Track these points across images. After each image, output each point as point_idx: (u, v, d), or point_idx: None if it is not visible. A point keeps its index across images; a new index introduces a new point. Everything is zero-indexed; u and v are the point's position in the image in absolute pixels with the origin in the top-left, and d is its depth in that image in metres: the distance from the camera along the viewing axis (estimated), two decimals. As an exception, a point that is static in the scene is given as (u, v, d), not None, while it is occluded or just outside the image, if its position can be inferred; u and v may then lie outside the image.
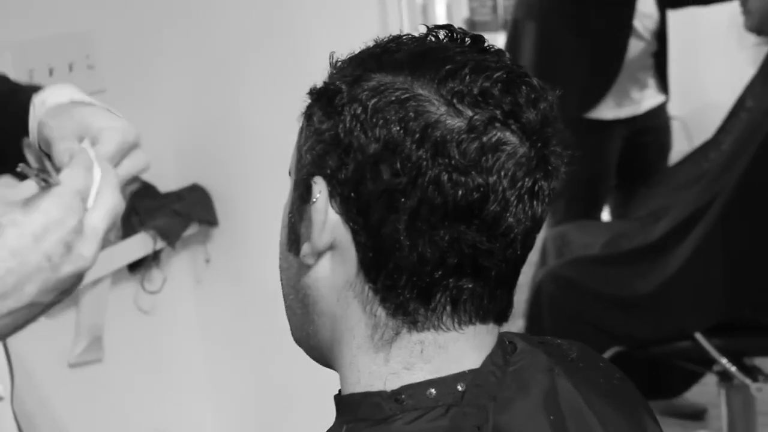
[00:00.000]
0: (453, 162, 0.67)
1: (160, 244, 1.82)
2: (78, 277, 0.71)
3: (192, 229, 1.90)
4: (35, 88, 0.96)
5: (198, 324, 2.03)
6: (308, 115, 0.74)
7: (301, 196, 0.74)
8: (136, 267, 1.85)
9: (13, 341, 1.56)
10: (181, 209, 1.86)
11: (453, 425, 0.69)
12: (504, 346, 0.77)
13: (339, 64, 0.75)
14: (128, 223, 1.81)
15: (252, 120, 1.90)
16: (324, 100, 0.72)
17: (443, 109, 0.68)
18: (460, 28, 0.75)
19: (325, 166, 0.72)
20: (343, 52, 0.75)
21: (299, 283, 0.76)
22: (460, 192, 0.68)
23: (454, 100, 0.68)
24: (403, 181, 0.68)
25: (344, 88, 0.71)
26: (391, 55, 0.72)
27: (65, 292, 0.71)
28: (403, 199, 0.68)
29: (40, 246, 0.68)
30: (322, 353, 0.78)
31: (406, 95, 0.69)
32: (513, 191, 0.69)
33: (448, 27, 0.75)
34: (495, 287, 0.73)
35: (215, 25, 1.88)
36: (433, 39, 0.74)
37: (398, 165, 0.68)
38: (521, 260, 0.74)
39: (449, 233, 0.69)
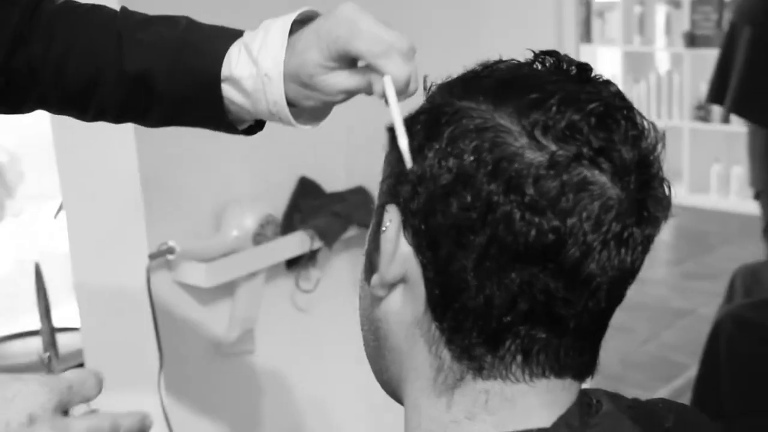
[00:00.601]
0: (527, 200, 0.61)
1: (318, 243, 1.82)
2: None
3: (351, 232, 1.89)
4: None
5: (352, 326, 2.03)
6: (390, 140, 0.70)
7: (377, 224, 0.71)
8: (292, 264, 1.87)
9: (165, 327, 1.63)
10: (342, 211, 1.86)
11: (504, 487, 0.63)
12: (585, 405, 0.70)
13: (431, 87, 0.70)
14: (290, 221, 1.84)
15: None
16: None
17: (524, 141, 0.62)
18: (566, 56, 0.68)
19: (398, 194, 0.68)
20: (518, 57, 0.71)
21: (372, 314, 0.72)
22: (533, 233, 0.61)
23: (537, 133, 0.62)
24: (472, 217, 0.63)
25: (422, 116, 0.67)
26: (479, 81, 0.67)
27: None
28: (471, 236, 0.63)
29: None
30: (393, 389, 0.74)
31: (485, 125, 0.63)
32: (597, 236, 0.62)
33: (553, 54, 0.68)
34: (574, 340, 0.66)
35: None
36: (539, 66, 0.68)
37: (469, 199, 0.63)
38: (607, 313, 0.67)
39: (520, 276, 0.63)
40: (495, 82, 0.66)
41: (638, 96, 5.88)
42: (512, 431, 0.66)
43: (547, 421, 0.67)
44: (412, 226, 0.67)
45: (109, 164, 1.63)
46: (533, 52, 0.69)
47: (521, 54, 0.70)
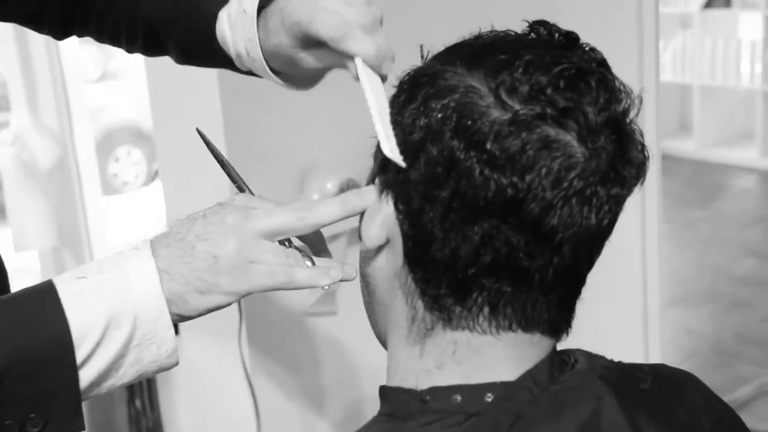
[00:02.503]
0: (486, 156, 0.63)
1: (399, 208, 1.85)
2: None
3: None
4: None
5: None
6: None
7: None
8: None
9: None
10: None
11: (462, 435, 0.65)
12: (558, 362, 0.71)
13: (428, 56, 0.73)
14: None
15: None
16: (394, 94, 0.72)
17: (490, 100, 0.64)
18: (556, 26, 0.69)
19: (382, 155, 0.71)
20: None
21: (364, 271, 0.76)
22: (492, 188, 0.63)
23: (502, 93, 0.64)
24: (438, 171, 0.65)
25: (406, 80, 0.70)
26: (461, 48, 0.69)
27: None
28: (437, 191, 0.66)
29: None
30: (383, 341, 0.78)
31: (457, 85, 0.66)
32: (557, 192, 0.63)
33: (544, 24, 0.69)
34: (540, 295, 0.67)
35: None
36: (533, 36, 0.69)
37: (435, 154, 0.65)
38: (575, 270, 0.67)
39: (483, 229, 0.65)
40: (473, 48, 0.68)
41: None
42: (478, 383, 0.68)
43: (513, 374, 0.68)
44: (390, 185, 0.70)
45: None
46: (527, 22, 0.70)
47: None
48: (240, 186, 0.80)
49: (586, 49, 0.68)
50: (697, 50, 5.46)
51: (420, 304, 0.70)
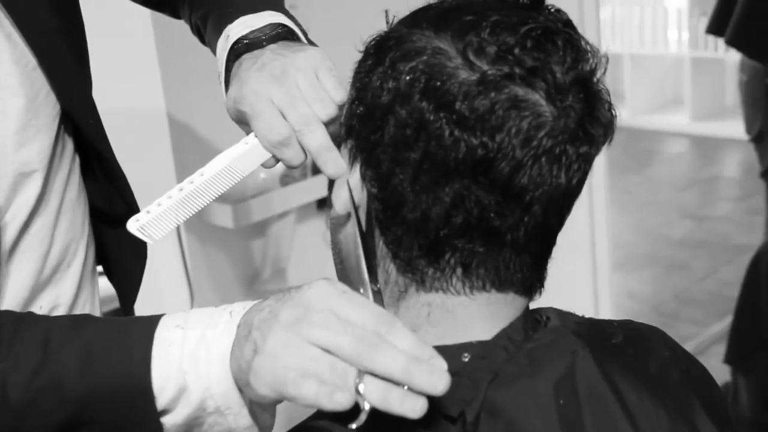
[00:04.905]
0: (455, 117, 0.63)
1: (347, 183, 1.85)
2: None
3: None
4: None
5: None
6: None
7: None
8: (323, 204, 1.90)
9: (197, 267, 1.69)
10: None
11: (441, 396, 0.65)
12: (531, 321, 0.72)
13: (393, 22, 0.72)
14: (318, 161, 1.87)
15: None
16: (360, 59, 0.71)
17: (458, 62, 0.64)
18: None
19: (351, 128, 0.71)
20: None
21: (335, 238, 0.76)
22: (462, 148, 0.63)
23: (470, 54, 0.64)
24: (407, 133, 0.65)
25: (372, 45, 0.70)
26: (426, 11, 0.69)
27: None
28: (407, 153, 0.66)
29: None
30: None
31: (424, 47, 0.66)
32: (527, 151, 0.64)
33: None
34: (513, 254, 0.67)
35: None
36: None
37: (404, 115, 0.65)
38: (546, 229, 0.68)
39: (453, 190, 0.65)
40: (439, 10, 0.68)
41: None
42: (454, 343, 0.68)
43: (489, 334, 0.69)
44: (359, 150, 0.69)
45: (137, 110, 1.68)
46: None
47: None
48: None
49: (552, 10, 0.68)
50: (626, 19, 5.54)
51: (392, 268, 0.70)
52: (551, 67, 0.64)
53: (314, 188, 1.83)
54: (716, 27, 2.40)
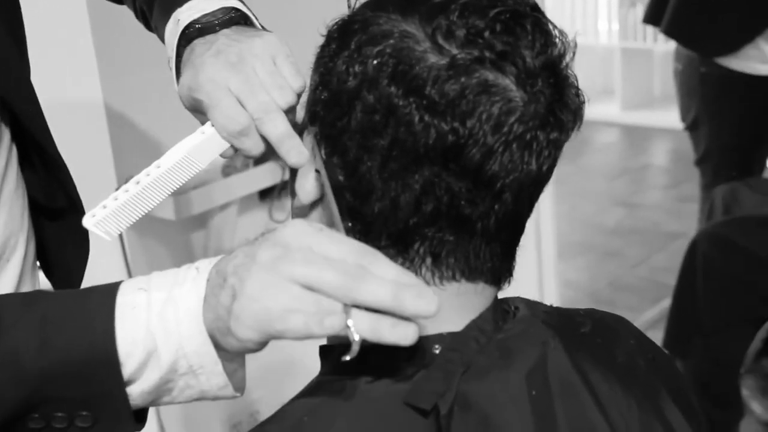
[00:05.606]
0: (425, 102, 0.62)
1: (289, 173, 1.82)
2: None
3: (323, 161, 1.89)
4: None
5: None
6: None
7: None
8: (266, 195, 1.87)
9: (138, 261, 1.64)
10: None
11: (413, 389, 0.64)
12: (500, 311, 0.71)
13: (355, 5, 0.70)
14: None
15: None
16: (323, 44, 0.69)
17: (426, 45, 0.63)
18: None
19: (315, 115, 0.69)
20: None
21: None
22: (432, 134, 0.62)
23: (439, 37, 0.62)
24: (375, 119, 0.63)
25: (335, 29, 0.68)
26: None
27: None
28: (376, 139, 0.64)
29: None
30: None
31: (391, 31, 0.64)
32: (498, 137, 0.62)
33: None
34: (483, 243, 0.66)
35: None
36: None
37: (372, 101, 0.63)
38: (516, 217, 0.67)
39: (424, 177, 0.63)
40: None
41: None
42: (424, 335, 0.67)
43: (459, 325, 0.68)
44: (325, 137, 0.67)
45: (72, 99, 1.63)
46: None
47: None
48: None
49: None
50: (557, 10, 5.60)
51: None
52: (521, 51, 0.63)
53: (256, 179, 1.80)
54: (652, 16, 2.43)
